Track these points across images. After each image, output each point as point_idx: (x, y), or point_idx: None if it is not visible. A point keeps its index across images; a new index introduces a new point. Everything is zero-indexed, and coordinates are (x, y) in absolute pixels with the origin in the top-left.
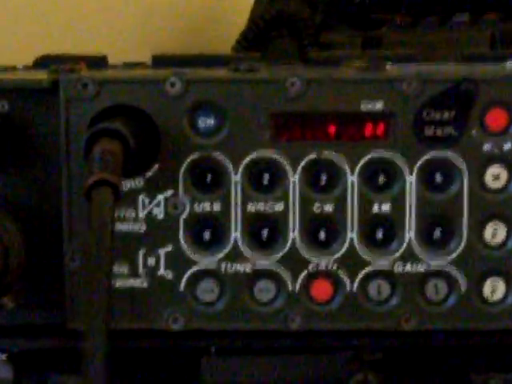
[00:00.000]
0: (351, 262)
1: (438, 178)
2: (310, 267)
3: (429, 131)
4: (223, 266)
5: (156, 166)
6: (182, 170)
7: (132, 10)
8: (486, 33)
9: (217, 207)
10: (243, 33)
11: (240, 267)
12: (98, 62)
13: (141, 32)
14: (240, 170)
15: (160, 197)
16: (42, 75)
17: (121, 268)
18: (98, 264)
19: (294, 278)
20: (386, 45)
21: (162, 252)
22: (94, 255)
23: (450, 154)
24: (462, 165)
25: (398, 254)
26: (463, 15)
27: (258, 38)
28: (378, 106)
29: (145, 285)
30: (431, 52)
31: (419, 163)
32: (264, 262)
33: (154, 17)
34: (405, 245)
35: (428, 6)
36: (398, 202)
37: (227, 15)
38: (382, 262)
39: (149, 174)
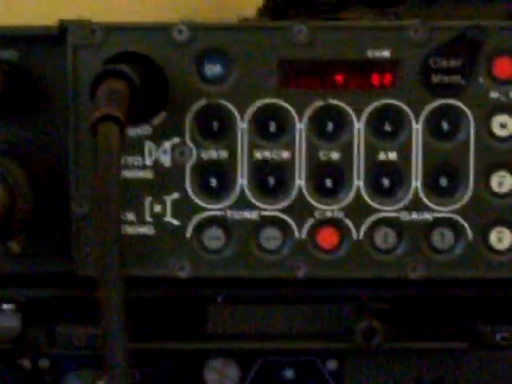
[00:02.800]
0: (357, 209)
1: (445, 126)
2: (317, 215)
3: (436, 79)
4: (230, 213)
5: (163, 114)
6: (189, 117)
7: None
8: (503, 8)
9: (223, 155)
10: (259, 11)
11: (246, 214)
12: None
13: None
14: (246, 117)
15: (167, 144)
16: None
17: (128, 215)
18: (108, 200)
19: (300, 225)
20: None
21: (168, 199)
22: (102, 192)
23: (456, 102)
24: (468, 113)
25: (404, 202)
26: None
27: (273, 17)
28: (385, 53)
29: (151, 232)
30: None
31: (426, 111)
32: (270, 210)
33: None
34: (411, 193)
35: None
36: (405, 150)
37: None
38: (388, 210)
39: (156, 121)
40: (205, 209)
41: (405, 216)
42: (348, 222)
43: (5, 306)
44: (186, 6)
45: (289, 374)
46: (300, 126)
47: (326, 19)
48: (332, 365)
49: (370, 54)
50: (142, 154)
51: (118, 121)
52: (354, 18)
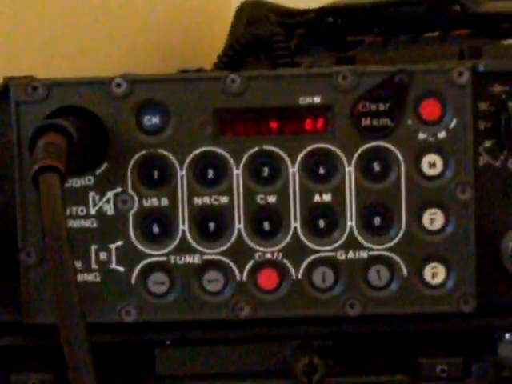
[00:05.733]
0: (295, 250)
1: (376, 167)
2: (256, 257)
3: (365, 122)
4: (172, 258)
5: (105, 164)
6: (130, 167)
7: (107, 31)
8: (455, 48)
9: (164, 202)
10: (220, 56)
11: (189, 259)
12: None
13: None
14: (185, 165)
15: (109, 193)
16: None
17: (74, 263)
18: (59, 245)
19: (241, 267)
20: (359, 63)
21: (113, 247)
22: (51, 239)
23: (386, 144)
24: (398, 154)
25: (340, 242)
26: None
27: (234, 61)
28: (316, 99)
29: (97, 279)
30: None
31: (357, 154)
32: (212, 253)
33: (128, 39)
34: (346, 233)
35: (399, 26)
36: (339, 192)
37: (204, 37)
38: (325, 250)
39: (98, 171)
40: (148, 255)
41: (341, 255)
42: (287, 262)
43: None
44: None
45: None
46: (237, 172)
47: (284, 64)
48: None
49: (302, 100)
50: (86, 204)
51: (57, 170)
52: (311, 63)
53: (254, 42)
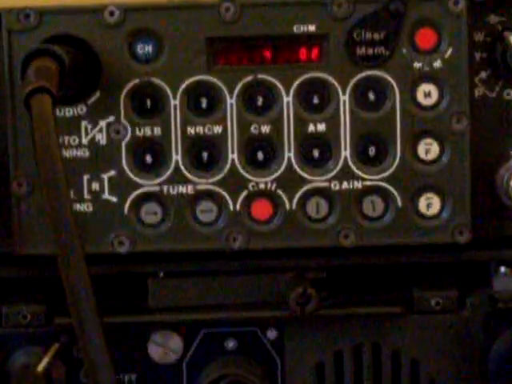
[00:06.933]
0: (289, 181)
1: (371, 96)
2: (250, 187)
3: (360, 51)
4: (165, 188)
5: (97, 93)
6: (123, 95)
7: None
8: None
9: (157, 131)
10: None
11: (182, 189)
12: None
13: None
14: (178, 94)
15: (102, 123)
16: None
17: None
18: (52, 164)
19: (235, 197)
20: None
21: (105, 176)
22: (43, 161)
23: (381, 73)
24: (393, 83)
25: (334, 172)
26: None
27: None
28: (311, 28)
29: (90, 209)
30: None
31: (352, 83)
32: (205, 183)
33: None
34: (341, 163)
35: None
36: (333, 122)
37: None
38: (319, 180)
39: (91, 100)
40: (141, 185)
41: (335, 185)
42: (281, 193)
43: None
44: None
45: (231, 344)
46: (231, 102)
47: None
48: (272, 334)
49: (296, 28)
50: (78, 134)
51: (49, 92)
52: None
53: None
